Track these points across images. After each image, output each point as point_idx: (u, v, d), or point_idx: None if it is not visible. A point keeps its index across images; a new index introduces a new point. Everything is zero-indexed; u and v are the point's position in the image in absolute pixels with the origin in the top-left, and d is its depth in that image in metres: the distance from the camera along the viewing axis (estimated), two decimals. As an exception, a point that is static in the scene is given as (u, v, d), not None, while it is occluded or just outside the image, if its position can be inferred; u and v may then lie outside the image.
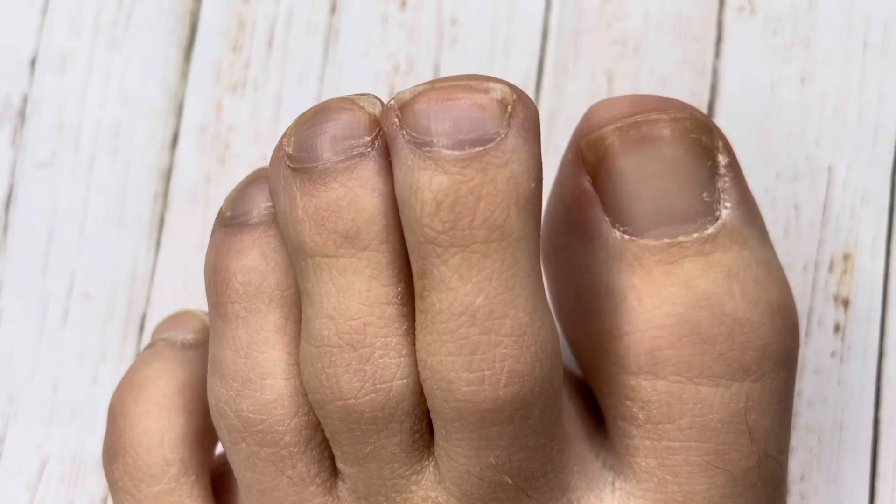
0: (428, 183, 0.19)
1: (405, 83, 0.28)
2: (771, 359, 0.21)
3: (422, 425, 0.20)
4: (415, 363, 0.20)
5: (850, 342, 0.27)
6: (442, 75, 0.28)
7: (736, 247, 0.21)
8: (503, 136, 0.19)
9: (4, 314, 0.28)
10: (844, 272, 0.28)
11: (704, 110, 0.28)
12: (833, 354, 0.27)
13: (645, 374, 0.21)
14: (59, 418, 0.27)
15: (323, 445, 0.21)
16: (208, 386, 0.22)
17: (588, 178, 0.22)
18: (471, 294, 0.19)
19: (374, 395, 0.20)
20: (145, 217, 0.28)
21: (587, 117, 0.22)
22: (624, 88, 0.28)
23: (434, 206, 0.19)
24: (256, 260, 0.21)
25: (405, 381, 0.20)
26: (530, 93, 0.28)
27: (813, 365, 0.27)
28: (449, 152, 0.19)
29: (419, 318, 0.20)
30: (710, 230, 0.21)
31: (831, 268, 0.28)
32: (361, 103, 0.20)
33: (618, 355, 0.21)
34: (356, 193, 0.20)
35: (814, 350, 0.27)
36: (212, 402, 0.22)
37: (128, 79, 0.29)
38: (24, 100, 0.29)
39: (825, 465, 0.27)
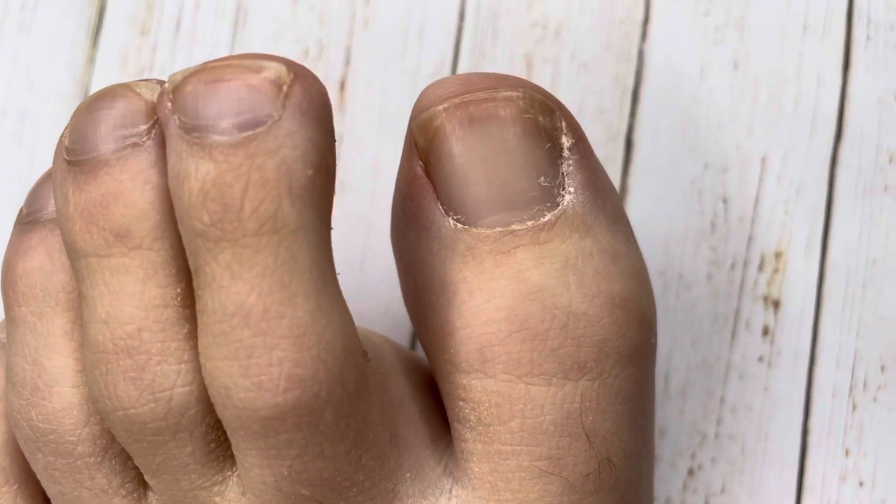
0: (194, 171, 0.17)
1: (316, 67, 0.26)
2: (611, 356, 0.19)
3: (218, 434, 0.19)
4: (198, 369, 0.18)
5: (780, 346, 0.25)
6: (354, 59, 0.26)
7: (576, 235, 0.19)
8: (276, 119, 0.17)
9: None
10: (775, 271, 0.25)
11: (629, 96, 0.26)
12: (760, 359, 0.25)
13: (475, 373, 0.19)
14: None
15: (125, 455, 0.19)
16: (5, 394, 0.20)
17: (420, 163, 0.20)
18: (243, 292, 0.17)
19: (153, 404, 0.18)
20: (50, 206, 0.27)
21: (419, 99, 0.20)
22: (544, 73, 0.26)
23: (201, 196, 0.17)
24: (42, 260, 0.20)
25: (188, 388, 0.18)
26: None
27: (738, 370, 0.25)
28: (217, 137, 0.17)
29: (198, 319, 0.18)
30: (547, 217, 0.19)
31: (761, 266, 0.25)
32: (139, 89, 0.19)
33: (450, 352, 0.19)
34: (126, 187, 0.18)
35: (740, 354, 0.25)
36: (7, 411, 0.20)
37: (35, 63, 0.27)
38: (-69, 85, 0.27)
39: (748, 477, 0.24)
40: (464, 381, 0.19)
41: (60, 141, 0.19)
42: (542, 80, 0.26)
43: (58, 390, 0.19)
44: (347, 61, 0.26)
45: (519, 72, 0.26)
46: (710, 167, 0.25)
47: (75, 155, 0.19)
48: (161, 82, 0.19)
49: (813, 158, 0.25)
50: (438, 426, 0.20)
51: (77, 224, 0.18)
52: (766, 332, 0.25)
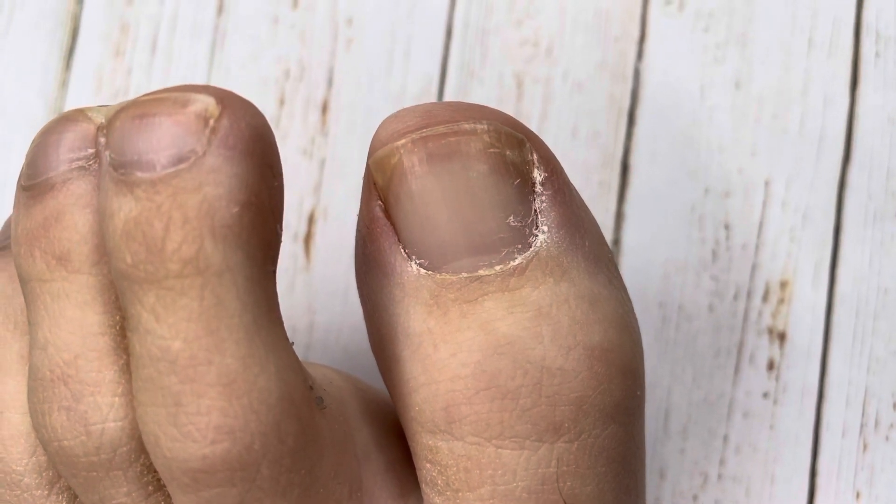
0: (118, 210, 0.16)
1: (297, 89, 0.25)
2: (590, 414, 0.17)
3: (156, 477, 0.17)
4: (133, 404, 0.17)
5: (786, 382, 0.23)
6: (337, 80, 0.25)
7: (550, 280, 0.17)
8: (200, 154, 0.16)
9: None
10: (781, 302, 0.23)
11: (625, 118, 0.24)
12: (766, 395, 0.23)
13: (441, 434, 0.17)
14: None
15: (73, 491, 0.18)
16: None
17: (380, 203, 0.18)
18: (167, 337, 0.16)
19: (84, 437, 0.17)
20: (21, 235, 0.25)
21: (376, 133, 0.18)
22: (535, 93, 0.24)
23: (124, 236, 0.16)
24: (3, 284, 0.19)
25: (120, 423, 0.17)
26: (432, 98, 0.24)
27: (742, 407, 0.23)
28: (140, 175, 0.16)
29: (130, 362, 0.16)
30: (518, 261, 0.17)
31: (766, 297, 0.23)
32: (91, 114, 0.18)
33: (415, 410, 0.17)
34: (69, 210, 0.17)
35: (743, 390, 0.23)
36: None
37: (5, 89, 0.25)
38: None
39: (753, 520, 0.23)
40: (430, 443, 0.17)
41: (21, 167, 0.18)
42: (534, 100, 0.24)
43: (7, 416, 0.18)
44: (330, 82, 0.24)
45: (509, 92, 0.24)
46: (711, 192, 0.23)
47: (28, 179, 0.18)
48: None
49: (820, 182, 0.23)
50: (408, 479, 0.18)
51: (22, 248, 0.17)
52: (771, 366, 0.23)
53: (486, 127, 0.17)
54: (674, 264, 0.23)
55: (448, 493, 0.17)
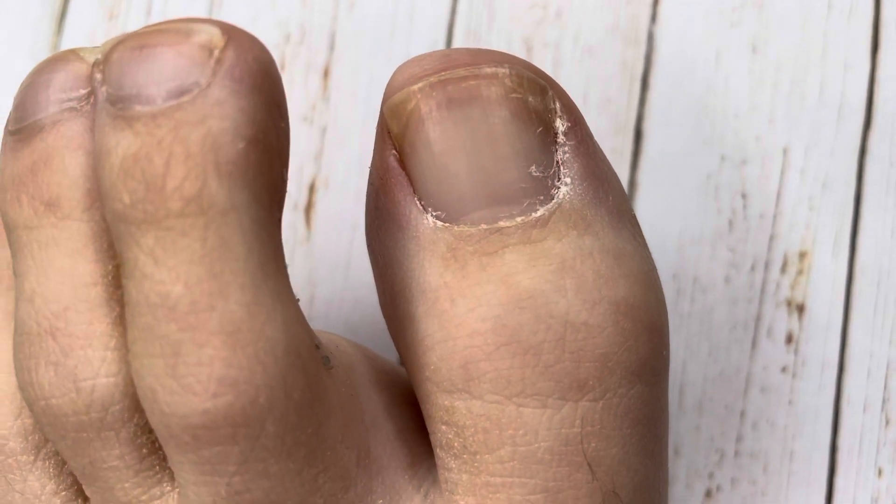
0: (115, 146, 0.15)
1: (297, 53, 0.24)
2: (616, 372, 0.16)
3: (151, 438, 0.16)
4: (127, 359, 0.16)
5: (805, 355, 0.22)
6: (339, 45, 0.24)
7: (574, 232, 0.16)
8: (204, 86, 0.15)
9: None
10: (800, 272, 0.22)
11: (637, 83, 0.23)
12: (784, 370, 0.22)
13: (459, 393, 0.16)
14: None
15: (61, 458, 0.17)
16: None
17: (394, 152, 0.17)
18: (167, 281, 0.15)
19: (74, 394, 0.15)
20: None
21: (391, 79, 0.17)
22: (545, 58, 0.23)
23: (121, 173, 0.15)
24: None
25: (112, 379, 0.16)
26: (438, 64, 0.23)
27: (760, 382, 0.22)
28: (140, 108, 0.15)
29: (125, 311, 0.15)
30: (540, 212, 0.16)
31: (784, 268, 0.22)
32: (83, 54, 0.16)
33: (430, 370, 0.16)
34: (58, 153, 0.16)
35: (761, 364, 0.22)
36: None
37: (-6, 52, 0.24)
38: None
39: (771, 499, 0.22)
40: (446, 403, 0.16)
41: (9, 113, 0.17)
42: (543, 65, 0.23)
43: None
44: (332, 47, 0.23)
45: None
46: (728, 160, 0.22)
47: (16, 123, 0.17)
48: None
49: (840, 150, 0.22)
50: (419, 448, 0.17)
51: (9, 193, 0.16)
52: (789, 339, 0.22)
53: (507, 71, 0.16)
54: (689, 235, 0.22)
55: (465, 455, 0.16)
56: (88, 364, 0.16)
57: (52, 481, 0.17)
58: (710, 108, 0.22)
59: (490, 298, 0.16)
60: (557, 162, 0.17)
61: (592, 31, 0.23)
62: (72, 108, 0.16)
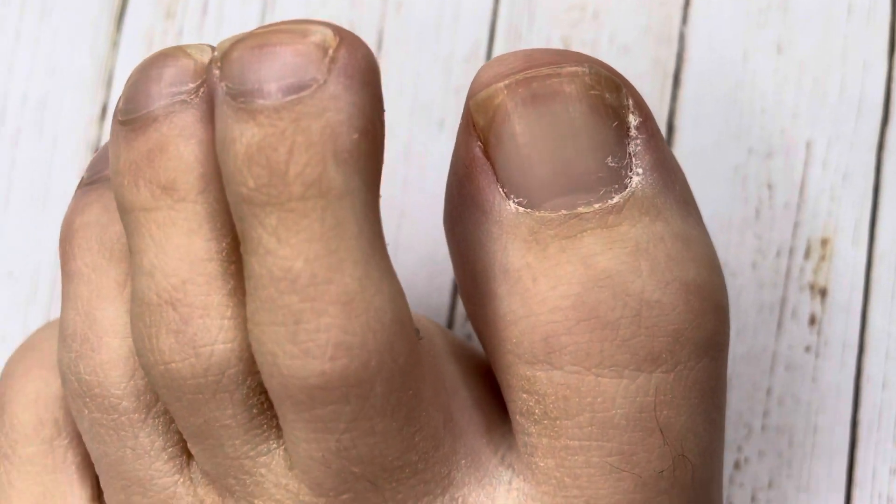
0: (240, 136, 0.16)
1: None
2: (686, 346, 0.17)
3: (261, 399, 0.17)
4: (242, 327, 0.17)
5: (827, 336, 0.23)
6: (386, 44, 0.25)
7: (646, 218, 0.18)
8: (321, 82, 0.16)
9: (-74, 295, 0.25)
10: (822, 258, 0.24)
11: (670, 80, 0.24)
12: (808, 349, 0.23)
13: (540, 364, 0.17)
14: (-21, 405, 0.25)
15: (169, 417, 0.18)
16: (57, 355, 0.19)
17: (479, 144, 0.18)
18: (289, 257, 0.16)
19: (193, 359, 0.17)
20: (71, 195, 0.25)
21: (477, 76, 0.18)
22: (582, 57, 0.24)
23: (246, 160, 0.16)
24: (98, 214, 0.19)
25: (229, 345, 0.17)
26: (480, 61, 0.25)
27: (785, 360, 0.23)
28: (262, 102, 0.16)
29: (246, 284, 0.17)
30: (616, 199, 0.18)
31: (808, 254, 0.24)
32: (189, 51, 0.18)
33: (512, 343, 0.18)
34: (173, 141, 0.17)
35: (786, 344, 0.23)
36: (59, 369, 0.19)
37: (56, 49, 0.25)
38: (-51, 70, 0.26)
39: (796, 471, 0.23)
40: (528, 373, 0.18)
41: (116, 105, 0.18)
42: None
43: (107, 341, 0.18)
44: (379, 45, 0.25)
45: (556, 56, 0.24)
46: (755, 153, 0.24)
47: (127, 114, 0.18)
48: (212, 46, 0.18)
49: (859, 144, 0.24)
50: (493, 415, 0.19)
51: (126, 178, 0.18)
52: (813, 321, 0.23)
53: (587, 70, 0.18)
54: (718, 222, 0.24)
55: (545, 421, 0.18)
56: (207, 331, 0.17)
57: (161, 438, 0.18)
58: (738, 104, 0.24)
59: (570, 278, 0.17)
60: (630, 154, 0.18)
61: (627, 32, 0.24)
62: (183, 101, 0.18)
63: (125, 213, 0.18)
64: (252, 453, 0.17)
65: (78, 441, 0.20)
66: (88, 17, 0.25)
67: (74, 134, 0.25)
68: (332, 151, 0.16)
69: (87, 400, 0.18)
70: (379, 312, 0.16)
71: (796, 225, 0.23)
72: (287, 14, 0.25)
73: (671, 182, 0.18)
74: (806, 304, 0.23)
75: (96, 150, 0.25)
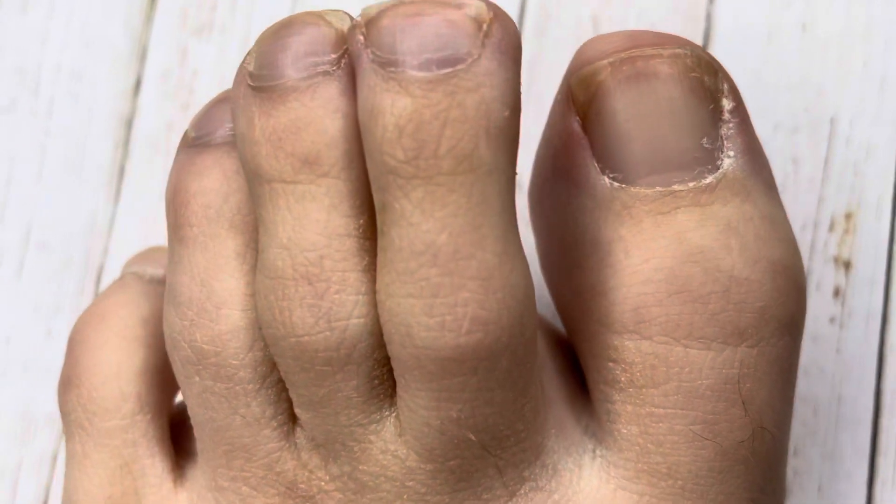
0: (390, 106, 0.16)
1: (379, 27, 0.25)
2: (771, 323, 0.18)
3: (382, 371, 0.18)
4: (374, 302, 0.17)
5: (851, 307, 0.24)
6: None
7: (737, 199, 0.18)
8: (476, 57, 0.16)
9: (-42, 264, 0.25)
10: (846, 232, 0.24)
11: (697, 58, 0.25)
12: (832, 320, 0.24)
13: (629, 334, 0.18)
14: (11, 373, 0.25)
15: (280, 386, 0.18)
16: (164, 315, 0.19)
17: (577, 119, 0.18)
18: (433, 231, 0.16)
19: (328, 332, 0.17)
20: (105, 166, 0.25)
21: (580, 52, 0.19)
22: (611, 34, 0.25)
23: (396, 131, 0.16)
24: (217, 181, 0.18)
25: (362, 320, 0.17)
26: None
27: (810, 331, 0.24)
28: (414, 73, 0.16)
29: (379, 255, 0.17)
30: (709, 179, 0.18)
31: (832, 227, 0.24)
32: (329, 18, 0.18)
33: (601, 313, 0.18)
34: (317, 114, 0.17)
35: (811, 316, 0.24)
36: (166, 332, 0.19)
37: (91, 22, 0.26)
38: (-16, 42, 0.26)
39: (821, 439, 0.23)
40: (615, 342, 0.18)
41: (242, 67, 0.18)
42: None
43: (226, 312, 0.18)
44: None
45: (585, 32, 0.25)
46: (780, 128, 0.24)
47: (261, 81, 0.18)
48: (349, 14, 0.18)
49: (882, 120, 0.24)
50: (573, 386, 0.19)
51: (263, 149, 0.17)
52: (837, 293, 0.24)
53: (688, 52, 0.18)
54: (744, 196, 0.24)
55: (631, 389, 0.18)
56: (343, 306, 0.17)
57: (272, 406, 0.18)
58: (764, 82, 0.24)
59: (664, 252, 0.18)
60: (722, 136, 0.18)
61: (655, 10, 0.25)
62: (325, 72, 0.17)
63: (260, 182, 0.18)
64: (365, 421, 0.18)
65: (158, 414, 0.20)
66: (123, -8, 0.25)
67: (108, 106, 0.25)
68: (485, 128, 0.16)
69: (200, 368, 0.18)
70: (514, 289, 0.17)
71: (821, 199, 0.24)
72: (320, -10, 0.25)
73: (759, 166, 0.19)
74: (830, 277, 0.24)
75: (130, 122, 0.25)
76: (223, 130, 0.19)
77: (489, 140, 0.16)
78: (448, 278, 0.16)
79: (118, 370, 0.20)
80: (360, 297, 0.17)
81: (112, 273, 0.25)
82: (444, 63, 0.16)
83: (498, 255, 0.16)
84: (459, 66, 0.16)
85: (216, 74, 0.25)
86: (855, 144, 0.24)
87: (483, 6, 0.17)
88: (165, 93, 0.25)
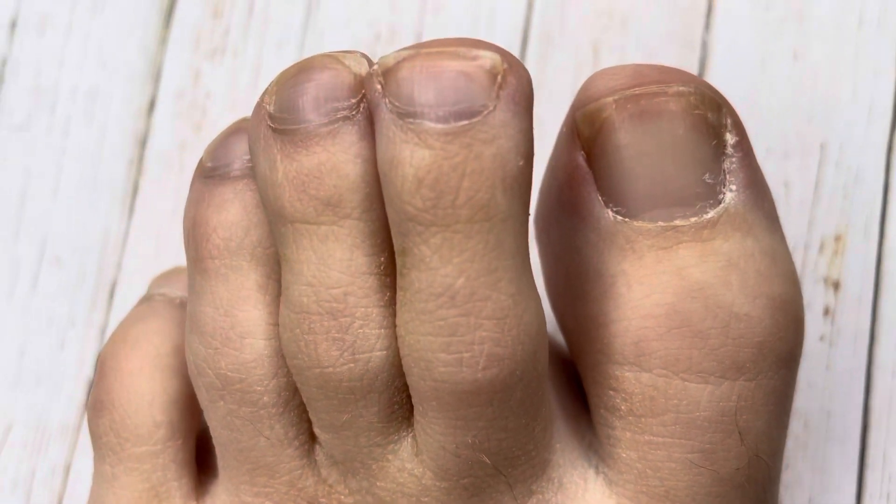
0: (409, 157, 0.17)
1: (387, 52, 0.26)
2: (769, 357, 0.18)
3: (401, 397, 0.18)
4: (395, 335, 0.18)
5: (840, 326, 0.25)
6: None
7: (738, 234, 0.18)
8: (491, 108, 0.17)
9: (-26, 278, 0.26)
10: (835, 253, 0.25)
11: (693, 84, 0.25)
12: (822, 338, 0.25)
13: (629, 366, 0.18)
14: (25, 384, 0.25)
15: (301, 408, 0.19)
16: (186, 343, 0.19)
17: (582, 153, 0.19)
18: (451, 275, 0.17)
19: (352, 364, 0.18)
20: (119, 183, 0.26)
21: (585, 88, 0.19)
22: (610, 61, 0.26)
23: (415, 182, 0.17)
24: (238, 215, 0.19)
25: (384, 352, 0.18)
26: (514, 64, 0.26)
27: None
28: (432, 125, 0.17)
29: (399, 294, 0.18)
30: (710, 215, 0.18)
31: (822, 249, 0.25)
32: (347, 62, 0.18)
33: (603, 343, 0.19)
34: (339, 159, 0.18)
35: (802, 333, 0.25)
36: (189, 359, 0.19)
37: (107, 43, 0.26)
38: (3, 62, 0.26)
39: (811, 453, 0.24)
40: (616, 373, 0.18)
41: (262, 107, 0.18)
42: (609, 66, 0.25)
43: (250, 342, 0.19)
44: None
45: (586, 59, 0.25)
46: (772, 153, 0.25)
47: (283, 123, 0.18)
48: (365, 56, 0.18)
49: (870, 146, 0.25)
50: (576, 402, 0.20)
51: (286, 191, 0.18)
52: (826, 312, 0.24)
53: (692, 90, 0.19)
54: (737, 218, 0.25)
55: (630, 417, 0.18)
56: (366, 340, 0.18)
57: (293, 428, 0.19)
58: (757, 108, 0.25)
59: (665, 287, 0.18)
60: (724, 171, 0.19)
61: (653, 37, 0.25)
62: (345, 117, 0.18)
63: (283, 222, 0.18)
64: (383, 442, 0.18)
65: (188, 438, 0.20)
66: (139, 14, 0.26)
67: (122, 125, 0.26)
68: (501, 178, 0.17)
69: (225, 393, 0.19)
70: (528, 326, 0.17)
71: (811, 222, 0.25)
72: (330, 14, 0.26)
73: (761, 199, 0.19)
74: (820, 297, 0.24)
75: (143, 141, 0.26)
76: (240, 162, 0.19)
77: (505, 189, 0.17)
78: (465, 318, 0.17)
79: (151, 399, 0.20)
80: (383, 330, 0.18)
81: (125, 287, 0.25)
82: (461, 115, 0.17)
83: (512, 296, 0.17)
84: (476, 119, 0.17)
85: (228, 97, 0.26)
86: (844, 169, 0.25)
87: (498, 58, 0.17)
88: (179, 113, 0.26)
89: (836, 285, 0.24)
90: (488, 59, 0.17)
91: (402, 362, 0.18)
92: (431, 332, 0.17)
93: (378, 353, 0.18)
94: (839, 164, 0.25)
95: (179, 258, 0.25)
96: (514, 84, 0.17)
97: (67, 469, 0.25)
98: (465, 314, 0.17)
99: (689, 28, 0.25)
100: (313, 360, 0.18)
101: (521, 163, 0.17)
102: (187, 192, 0.25)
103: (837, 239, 0.25)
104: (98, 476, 0.20)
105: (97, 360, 0.21)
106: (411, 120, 0.17)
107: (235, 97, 0.26)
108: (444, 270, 0.17)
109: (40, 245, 0.26)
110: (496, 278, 0.17)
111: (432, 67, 0.17)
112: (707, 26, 0.25)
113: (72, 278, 0.25)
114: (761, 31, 0.25)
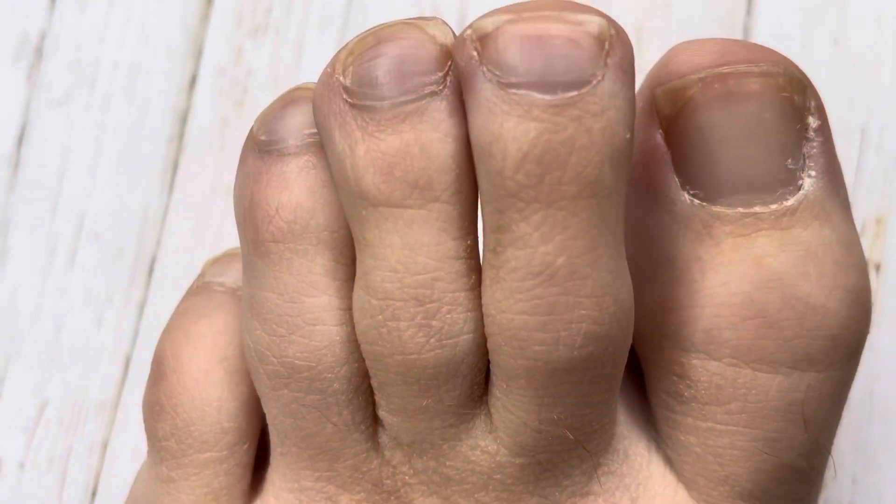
0: (513, 131, 0.16)
1: (430, 32, 0.26)
2: (840, 350, 0.18)
3: (480, 378, 0.18)
4: (481, 318, 0.17)
5: (882, 308, 0.25)
6: (467, 19, 0.26)
7: (817, 223, 0.18)
8: (600, 78, 0.16)
9: (12, 252, 0.25)
10: (876, 236, 0.25)
11: (735, 68, 0.26)
12: (864, 320, 0.25)
13: (697, 353, 0.18)
14: (62, 360, 0.25)
15: (368, 392, 0.18)
16: (245, 329, 0.18)
17: (661, 131, 0.18)
18: (552, 253, 0.16)
19: (439, 350, 0.17)
20: (159, 159, 0.26)
21: (666, 63, 0.18)
22: (653, 44, 0.26)
23: (519, 157, 0.16)
24: (302, 196, 0.18)
25: (471, 335, 0.17)
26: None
27: (843, 330, 0.25)
28: (539, 96, 0.15)
29: (489, 272, 0.17)
30: (791, 202, 0.18)
31: (863, 232, 0.25)
32: (431, 31, 0.17)
33: (670, 329, 0.18)
34: (428, 138, 0.17)
35: (844, 315, 0.25)
36: (249, 345, 0.18)
37: (148, 19, 0.26)
38: (42, 37, 0.26)
39: (854, 433, 0.24)
40: (682, 359, 0.18)
41: (332, 78, 0.17)
42: (652, 50, 0.25)
43: (321, 328, 0.18)
44: (461, 22, 0.26)
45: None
46: (814, 136, 0.25)
47: (362, 99, 0.17)
48: (447, 25, 0.17)
49: (910, 130, 0.25)
50: (634, 377, 0.19)
51: (370, 173, 0.17)
52: (868, 294, 0.25)
53: (781, 70, 0.18)
54: (779, 200, 0.25)
55: (693, 404, 0.18)
56: (454, 325, 0.17)
57: (360, 413, 0.18)
58: (799, 91, 0.25)
59: (742, 276, 0.17)
60: (804, 155, 0.18)
61: (695, 21, 0.26)
62: (433, 93, 0.17)
63: (364, 205, 0.17)
64: (457, 422, 0.18)
65: (254, 439, 0.20)
66: (180, -8, 0.26)
67: (163, 102, 0.26)
68: (609, 153, 0.16)
69: (290, 381, 0.18)
70: (622, 304, 0.17)
71: (852, 205, 0.25)
72: (374, -6, 0.26)
73: (837, 185, 0.18)
74: (862, 278, 0.24)
75: (184, 118, 0.26)
76: (300, 137, 0.18)
77: (612, 165, 0.16)
78: (564, 297, 0.16)
79: (219, 405, 0.19)
80: (469, 314, 0.17)
81: (164, 264, 0.25)
82: (569, 86, 0.16)
83: (612, 273, 0.17)
84: (584, 89, 0.16)
85: (269, 75, 0.26)
86: (885, 153, 0.25)
87: (604, 23, 0.16)
88: (220, 90, 0.26)
89: (878, 267, 0.25)
90: (595, 23, 0.16)
91: (490, 342, 0.17)
92: (527, 310, 0.16)
93: (465, 337, 0.17)
94: (880, 147, 0.25)
95: (219, 236, 0.25)
96: (620, 51, 0.16)
97: (105, 446, 0.24)
98: (565, 293, 0.16)
99: (731, 12, 0.26)
100: (396, 347, 0.17)
101: (627, 136, 0.16)
102: (227, 169, 0.25)
103: (878, 222, 0.25)
104: (153, 474, 0.20)
105: (154, 355, 0.20)
106: (514, 91, 0.16)
107: (277, 75, 0.26)
108: (543, 248, 0.16)
109: (78, 221, 0.25)
110: (597, 255, 0.16)
111: (536, 33, 0.16)
112: (749, 11, 0.26)
113: (110, 255, 0.25)
114: (802, 16, 0.25)
